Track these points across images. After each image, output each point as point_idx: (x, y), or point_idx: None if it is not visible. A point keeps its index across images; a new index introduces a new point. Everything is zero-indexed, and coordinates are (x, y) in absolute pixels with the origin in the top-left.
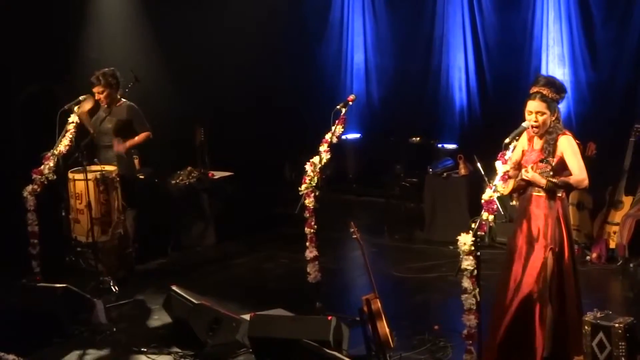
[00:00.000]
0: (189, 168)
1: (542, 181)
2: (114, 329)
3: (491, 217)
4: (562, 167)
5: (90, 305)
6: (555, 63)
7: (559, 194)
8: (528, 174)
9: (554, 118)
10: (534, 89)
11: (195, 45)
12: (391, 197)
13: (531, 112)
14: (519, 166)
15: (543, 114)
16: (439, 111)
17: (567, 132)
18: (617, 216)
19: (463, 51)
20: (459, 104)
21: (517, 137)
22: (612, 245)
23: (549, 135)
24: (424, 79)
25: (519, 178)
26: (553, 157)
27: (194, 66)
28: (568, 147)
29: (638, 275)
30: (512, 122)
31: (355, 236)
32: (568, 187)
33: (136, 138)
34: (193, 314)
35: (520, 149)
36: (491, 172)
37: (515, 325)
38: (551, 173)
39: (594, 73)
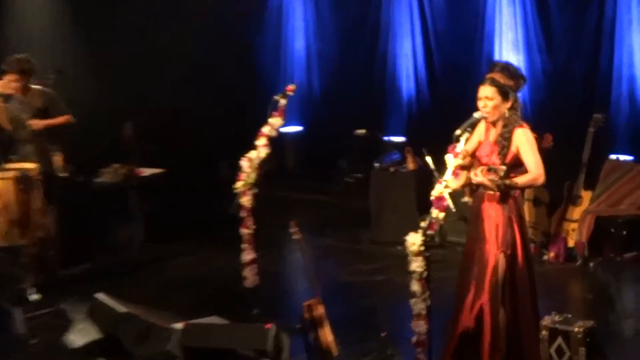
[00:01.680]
0: (116, 165)
1: (492, 186)
2: (34, 341)
3: (442, 215)
4: (517, 163)
5: (6, 314)
6: (509, 49)
7: (513, 192)
8: (477, 177)
9: (508, 106)
10: (487, 75)
11: (127, 39)
12: (335, 195)
13: (480, 98)
14: (474, 157)
15: (492, 99)
16: (385, 102)
17: (524, 125)
18: (576, 212)
19: (410, 37)
20: (406, 93)
21: (468, 129)
22: (571, 243)
23: (504, 127)
24: (369, 68)
25: (471, 175)
26: (508, 150)
27: (123, 60)
28: (524, 141)
29: (598, 275)
30: (463, 112)
31: (296, 237)
32: (525, 185)
33: (56, 119)
34: (120, 323)
35: (477, 138)
36: (442, 166)
37: (467, 333)
38: (502, 174)
39: (551, 59)
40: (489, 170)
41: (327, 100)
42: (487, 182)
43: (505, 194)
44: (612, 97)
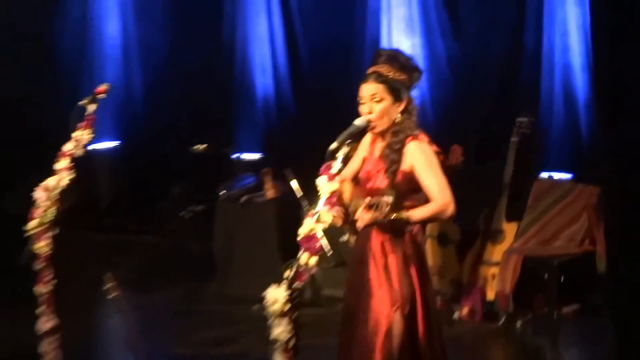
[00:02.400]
0: None
1: (384, 221)
2: None
3: (313, 260)
4: (413, 186)
5: None
6: (400, 30)
7: (411, 227)
8: (364, 216)
9: (400, 109)
10: (370, 69)
11: None
12: (167, 234)
13: (363, 100)
14: (358, 180)
15: (380, 100)
16: (233, 104)
17: (421, 135)
18: (497, 252)
19: (266, 16)
20: (262, 92)
21: (348, 141)
22: (491, 295)
23: (394, 136)
24: (209, 58)
25: (353, 208)
26: (397, 167)
27: None
28: (421, 158)
29: (528, 337)
30: (340, 118)
31: (113, 294)
32: (428, 220)
33: None
34: None
35: (360, 154)
36: (313, 193)
37: None
38: (386, 208)
39: (458, 44)
40: (369, 207)
41: (153, 104)
42: (376, 220)
43: (399, 229)
44: (541, 93)
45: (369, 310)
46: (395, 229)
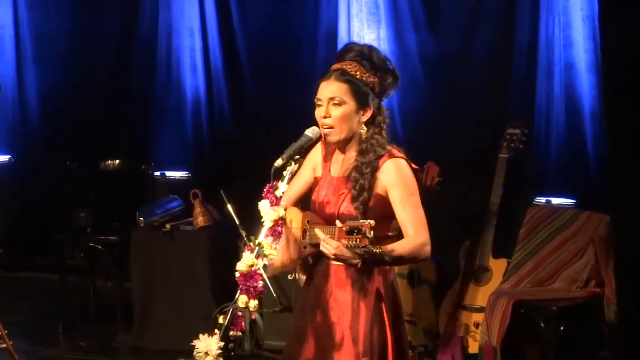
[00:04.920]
0: None
1: (355, 259)
2: None
3: (254, 304)
4: (384, 215)
5: None
6: (362, 20)
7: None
8: (329, 246)
9: (365, 118)
10: (335, 66)
11: None
12: (71, 270)
13: (320, 102)
14: (306, 213)
15: (341, 103)
16: (154, 109)
17: (397, 151)
18: (481, 295)
19: (197, 1)
20: (190, 93)
21: (297, 157)
22: (474, 348)
23: (362, 156)
24: (125, 52)
25: (309, 242)
26: (368, 197)
27: None
28: (398, 183)
29: None
30: (287, 127)
31: (3, 345)
32: (400, 262)
33: None
34: None
35: (307, 172)
36: (253, 220)
37: None
38: (370, 234)
39: (434, 38)
40: (350, 232)
41: (52, 110)
42: (345, 253)
43: (373, 265)
44: (536, 98)
45: None
46: (366, 263)
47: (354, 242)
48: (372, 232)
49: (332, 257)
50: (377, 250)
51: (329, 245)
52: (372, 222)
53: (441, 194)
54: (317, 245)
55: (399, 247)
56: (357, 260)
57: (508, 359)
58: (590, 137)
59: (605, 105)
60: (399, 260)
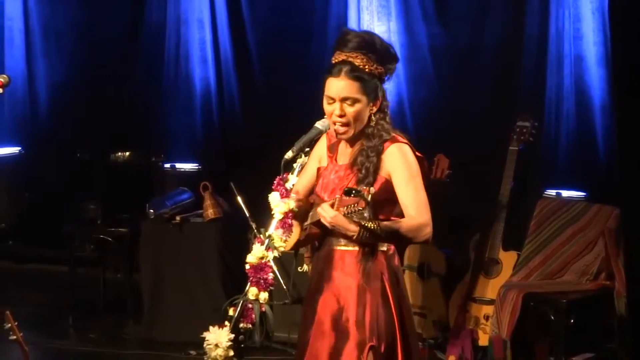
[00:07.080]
0: None
1: (352, 227)
2: None
3: (264, 296)
4: (389, 197)
5: None
6: (372, 12)
7: (383, 248)
8: (326, 212)
9: (375, 109)
10: (339, 56)
11: None
12: (80, 262)
13: (332, 100)
14: (310, 197)
15: (355, 101)
16: (164, 101)
17: (401, 137)
18: (491, 288)
19: None
20: (200, 85)
21: (307, 149)
22: (484, 340)
23: (368, 140)
24: (135, 44)
25: (310, 221)
26: (373, 180)
27: None
28: (401, 166)
29: None
30: (297, 119)
31: (14, 337)
32: (397, 238)
33: None
34: None
35: (314, 165)
36: (263, 212)
37: None
38: (365, 214)
39: (444, 30)
40: (347, 193)
41: (62, 103)
42: (342, 221)
43: (370, 248)
44: (546, 91)
45: (335, 351)
46: (365, 244)
47: (352, 207)
48: (370, 197)
49: (329, 224)
50: (373, 224)
51: (326, 213)
52: (372, 188)
53: (451, 186)
54: (318, 223)
55: (396, 223)
56: (353, 229)
57: (518, 351)
58: (600, 130)
59: (615, 98)
60: (396, 235)
